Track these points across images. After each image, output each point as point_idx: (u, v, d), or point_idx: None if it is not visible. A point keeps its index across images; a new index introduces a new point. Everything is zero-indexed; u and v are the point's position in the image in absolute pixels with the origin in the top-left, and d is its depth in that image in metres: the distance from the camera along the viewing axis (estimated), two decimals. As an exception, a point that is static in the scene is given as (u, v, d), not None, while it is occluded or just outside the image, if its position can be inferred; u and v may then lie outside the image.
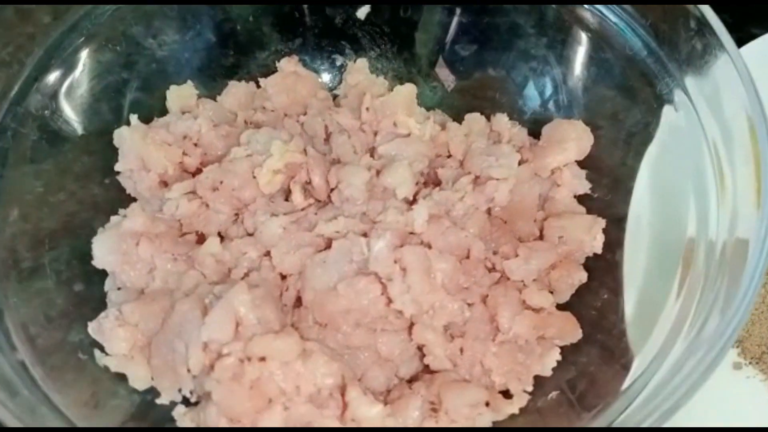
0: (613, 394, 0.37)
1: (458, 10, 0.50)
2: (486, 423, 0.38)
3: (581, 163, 0.50)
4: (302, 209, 0.45)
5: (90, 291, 0.46)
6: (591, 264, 0.47)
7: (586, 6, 0.48)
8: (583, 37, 0.49)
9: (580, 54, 0.50)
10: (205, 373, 0.36)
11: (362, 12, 0.55)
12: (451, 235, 0.42)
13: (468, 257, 0.42)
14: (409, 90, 0.50)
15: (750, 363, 0.49)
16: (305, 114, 0.52)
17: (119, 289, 0.43)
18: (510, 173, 0.45)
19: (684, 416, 0.42)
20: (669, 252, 0.45)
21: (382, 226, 0.42)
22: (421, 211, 0.42)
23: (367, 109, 0.50)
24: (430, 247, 0.42)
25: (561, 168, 0.48)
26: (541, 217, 0.48)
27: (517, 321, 0.41)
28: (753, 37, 0.58)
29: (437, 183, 0.48)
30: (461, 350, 0.41)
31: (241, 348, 0.36)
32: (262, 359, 0.36)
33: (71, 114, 0.51)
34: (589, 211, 0.49)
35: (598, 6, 0.48)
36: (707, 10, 0.41)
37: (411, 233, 0.42)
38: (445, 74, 0.52)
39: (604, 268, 0.46)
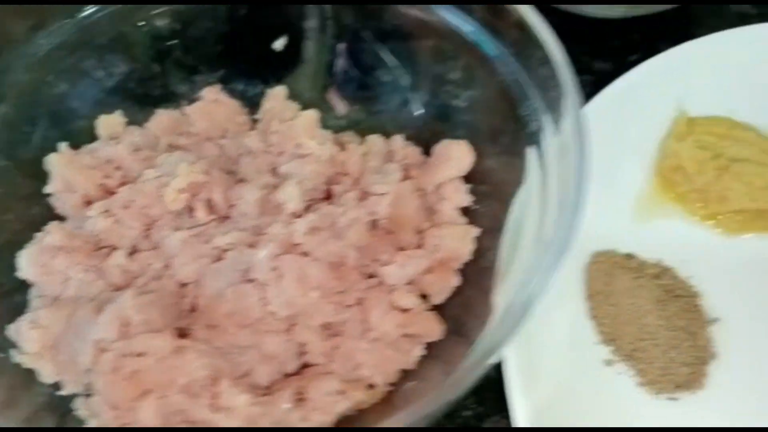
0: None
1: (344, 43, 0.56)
2: (342, 409, 0.43)
3: (468, 178, 0.55)
4: (204, 224, 0.50)
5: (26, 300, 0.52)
6: (468, 269, 0.51)
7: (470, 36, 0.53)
8: (468, 65, 0.53)
9: (468, 80, 0.54)
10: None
11: (279, 44, 0.61)
12: (328, 244, 0.47)
13: (344, 264, 0.47)
14: (310, 114, 0.55)
15: (621, 360, 0.53)
16: (225, 138, 0.57)
17: (39, 297, 0.49)
18: (390, 188, 0.49)
19: (558, 407, 0.47)
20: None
21: (267, 238, 0.47)
22: (301, 223, 0.47)
23: (274, 132, 0.55)
24: (308, 255, 0.46)
25: (445, 183, 0.53)
26: (427, 228, 0.52)
27: (385, 320, 0.46)
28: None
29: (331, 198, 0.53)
30: (337, 347, 0.46)
31: (123, 345, 0.41)
32: (140, 354, 0.41)
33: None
34: (473, 222, 0.53)
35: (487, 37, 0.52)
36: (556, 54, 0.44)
37: (295, 244, 0.47)
38: (335, 100, 0.58)
39: (478, 272, 0.50)
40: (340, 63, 0.56)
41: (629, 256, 0.57)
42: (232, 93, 0.61)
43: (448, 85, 0.54)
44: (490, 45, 0.51)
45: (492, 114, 0.53)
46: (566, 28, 0.71)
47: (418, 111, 0.56)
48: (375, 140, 0.56)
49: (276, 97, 0.59)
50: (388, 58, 0.55)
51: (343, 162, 0.54)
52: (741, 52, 0.64)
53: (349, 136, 0.58)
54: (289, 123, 0.55)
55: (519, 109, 0.50)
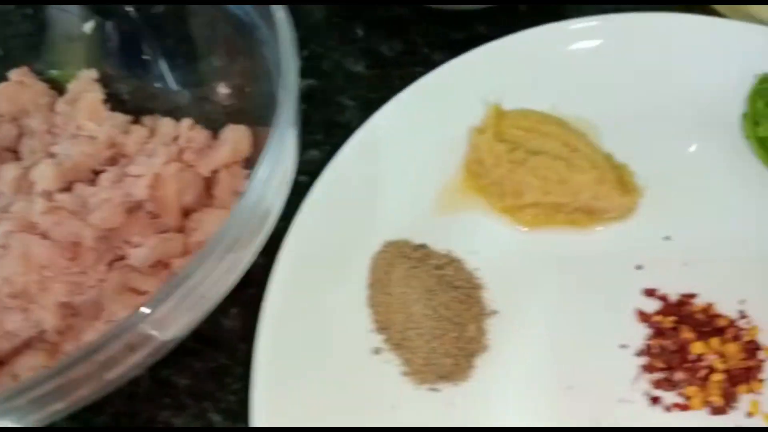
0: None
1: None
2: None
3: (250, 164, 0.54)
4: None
5: None
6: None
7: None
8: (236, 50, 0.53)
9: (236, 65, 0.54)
10: None
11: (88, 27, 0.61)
12: (67, 225, 0.46)
13: (82, 245, 0.47)
14: (93, 97, 0.55)
15: (390, 349, 0.52)
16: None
17: None
18: (147, 170, 0.49)
19: (316, 396, 0.46)
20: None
21: (7, 216, 0.47)
22: (40, 203, 0.46)
23: (58, 113, 0.55)
24: (45, 235, 0.46)
25: (221, 168, 0.53)
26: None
27: (118, 301, 0.45)
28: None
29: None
30: (72, 327, 0.46)
31: None
32: None
33: None
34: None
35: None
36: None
37: (33, 223, 0.47)
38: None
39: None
40: (111, 43, 0.56)
41: (420, 247, 0.56)
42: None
43: (217, 69, 0.54)
44: (256, 31, 0.51)
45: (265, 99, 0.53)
46: (416, 19, 0.72)
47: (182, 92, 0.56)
48: (163, 123, 0.56)
49: (83, 79, 0.59)
50: (159, 40, 0.54)
51: (123, 144, 0.54)
52: (565, 47, 0.64)
53: (149, 120, 0.58)
54: (74, 104, 0.54)
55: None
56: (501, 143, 0.57)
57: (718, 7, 0.66)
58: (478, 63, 0.62)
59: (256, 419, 0.46)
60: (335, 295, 0.53)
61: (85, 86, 0.58)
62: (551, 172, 0.55)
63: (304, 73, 0.63)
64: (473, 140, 0.59)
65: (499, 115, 0.60)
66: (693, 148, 0.60)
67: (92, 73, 0.59)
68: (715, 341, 0.50)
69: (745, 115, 0.59)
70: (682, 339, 0.50)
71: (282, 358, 0.49)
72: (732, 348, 0.50)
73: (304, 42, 0.67)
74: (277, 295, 0.50)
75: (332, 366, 0.50)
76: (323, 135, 0.63)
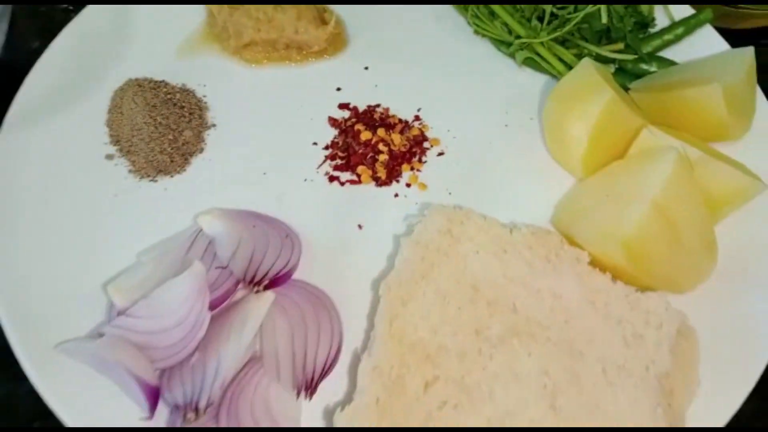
0: None
1: None
2: None
3: None
4: None
5: None
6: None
7: None
8: None
9: None
10: None
11: None
12: None
13: None
14: None
15: (120, 155, 0.61)
16: None
17: None
18: None
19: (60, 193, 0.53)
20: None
21: None
22: None
23: None
24: None
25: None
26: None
27: None
28: None
29: None
30: None
31: None
32: None
33: None
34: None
35: None
36: None
37: None
38: None
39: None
40: None
41: (158, 82, 0.65)
42: None
43: None
44: None
45: None
46: None
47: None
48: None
49: None
50: None
51: None
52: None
53: None
54: None
55: None
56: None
57: None
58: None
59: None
60: (78, 118, 0.62)
61: None
62: (261, 13, 0.65)
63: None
64: (206, -4, 0.68)
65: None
66: (398, 6, 0.71)
67: None
68: (381, 131, 0.61)
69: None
70: (356, 131, 0.61)
71: (18, 173, 0.57)
72: (397, 138, 0.61)
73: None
74: (17, 116, 0.59)
75: (70, 174, 0.59)
76: None
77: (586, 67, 0.57)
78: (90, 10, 0.66)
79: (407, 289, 0.50)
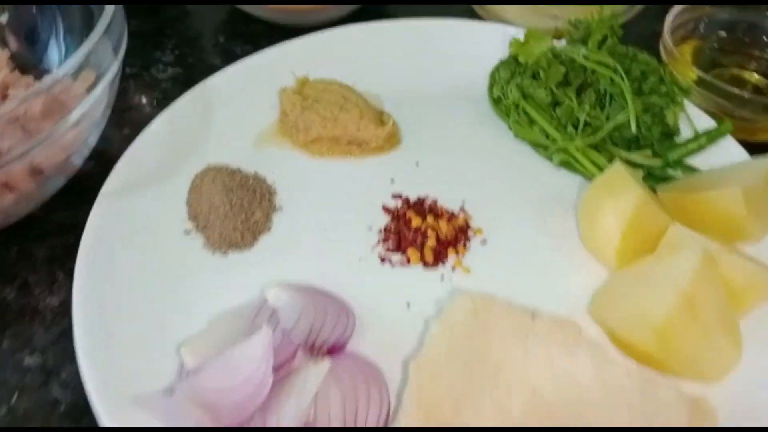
0: None
1: None
2: None
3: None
4: None
5: None
6: None
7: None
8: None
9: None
10: None
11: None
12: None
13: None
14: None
15: (197, 231, 0.67)
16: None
17: None
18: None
19: (144, 268, 0.60)
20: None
21: None
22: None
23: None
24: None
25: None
26: None
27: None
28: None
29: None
30: None
31: None
32: None
33: None
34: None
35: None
36: None
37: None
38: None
39: None
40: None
41: (234, 169, 0.72)
42: None
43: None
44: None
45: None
46: (269, 33, 0.92)
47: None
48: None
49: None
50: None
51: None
52: (365, 42, 0.83)
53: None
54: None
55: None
56: (298, 96, 0.74)
57: (477, 8, 0.87)
58: (297, 49, 0.81)
59: (77, 282, 0.59)
60: (162, 196, 0.68)
61: None
62: (329, 112, 0.72)
63: (173, 63, 0.83)
64: (280, 96, 0.76)
65: (303, 82, 0.78)
66: (447, 111, 0.78)
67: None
68: (430, 218, 0.66)
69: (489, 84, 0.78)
70: (407, 218, 0.66)
71: (109, 241, 0.63)
72: (444, 225, 0.66)
73: (179, 45, 0.87)
74: (111, 192, 0.65)
75: (152, 245, 0.64)
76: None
77: (618, 169, 0.62)
78: (178, 104, 0.74)
79: (433, 368, 0.53)
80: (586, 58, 0.70)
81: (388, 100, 0.79)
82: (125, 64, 0.77)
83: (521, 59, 0.72)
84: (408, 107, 0.77)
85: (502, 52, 0.79)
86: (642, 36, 0.81)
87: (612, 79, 0.67)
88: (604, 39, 0.71)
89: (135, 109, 0.81)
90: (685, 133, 0.71)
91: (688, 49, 0.81)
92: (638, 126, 0.66)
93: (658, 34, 0.79)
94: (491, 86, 0.77)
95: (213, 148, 0.73)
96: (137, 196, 0.66)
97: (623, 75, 0.66)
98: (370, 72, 0.80)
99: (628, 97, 0.65)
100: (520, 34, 0.75)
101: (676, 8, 0.79)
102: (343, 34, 0.83)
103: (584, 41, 0.73)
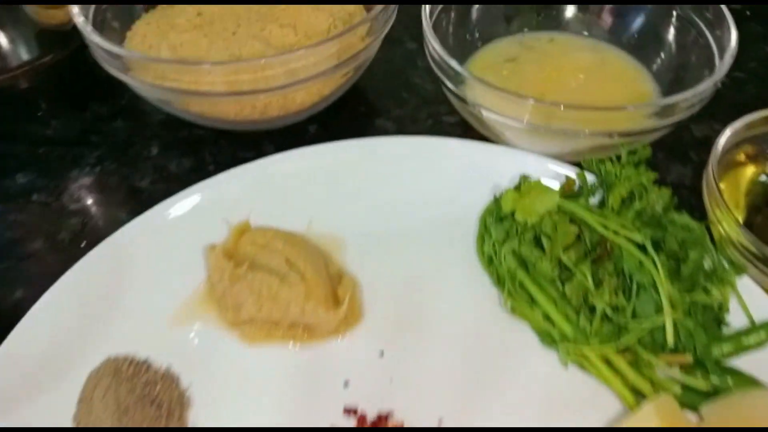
0: None
1: None
2: None
3: None
4: None
5: None
6: None
7: None
8: None
9: None
10: None
11: None
12: None
13: None
14: None
15: None
16: None
17: None
18: None
19: None
20: None
21: None
22: None
23: None
24: None
25: None
26: None
27: None
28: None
29: None
30: None
31: None
32: None
33: None
34: None
35: None
36: None
37: None
38: None
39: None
40: None
41: (139, 363, 0.55)
42: None
43: None
44: None
45: None
46: (213, 139, 0.74)
47: None
48: None
49: None
50: None
51: None
52: (322, 167, 0.65)
53: None
54: None
55: None
56: (230, 259, 0.57)
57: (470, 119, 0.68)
58: (232, 182, 0.63)
59: None
60: (43, 408, 0.51)
61: None
62: (265, 287, 0.55)
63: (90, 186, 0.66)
64: (207, 258, 0.59)
65: (240, 232, 0.60)
66: (426, 261, 0.60)
67: None
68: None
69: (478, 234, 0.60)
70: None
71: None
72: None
73: (100, 159, 0.70)
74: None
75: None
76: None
77: (666, 404, 0.44)
78: (83, 264, 0.56)
79: None
80: (605, 227, 0.51)
81: (351, 245, 0.61)
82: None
83: (518, 218, 0.54)
84: (376, 256, 0.61)
85: (499, 180, 0.60)
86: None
87: (641, 262, 0.49)
88: (631, 196, 0.53)
89: (35, 258, 0.64)
90: (736, 318, 0.52)
91: (739, 184, 0.62)
92: (677, 333, 0.47)
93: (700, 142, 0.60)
94: (480, 237, 0.59)
95: (117, 329, 0.56)
96: (12, 407, 0.49)
97: (656, 259, 0.48)
98: (331, 204, 0.63)
99: (664, 299, 0.47)
100: (517, 160, 0.57)
101: (733, 126, 0.59)
102: (299, 155, 0.65)
103: (602, 186, 0.55)
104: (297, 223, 0.63)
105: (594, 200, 0.57)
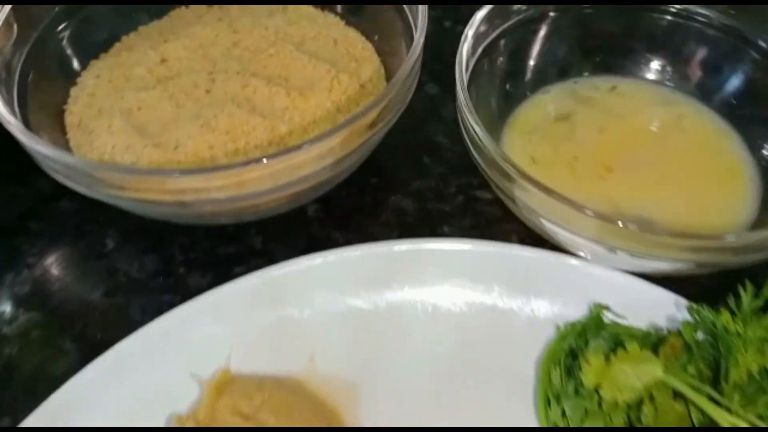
0: None
1: None
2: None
3: None
4: None
5: None
6: None
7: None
8: None
9: None
10: None
11: None
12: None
13: None
14: None
15: None
16: None
17: None
18: None
19: None
20: None
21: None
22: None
23: None
24: None
25: None
26: None
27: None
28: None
29: None
30: None
31: None
32: None
33: None
34: None
35: None
36: None
37: None
38: None
39: None
40: None
41: None
42: None
43: None
44: None
45: None
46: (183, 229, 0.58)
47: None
48: None
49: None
50: None
51: None
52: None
53: None
54: None
55: None
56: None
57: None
58: (216, 308, 0.47)
59: None
60: None
61: None
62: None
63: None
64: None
65: (217, 391, 0.44)
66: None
67: None
68: None
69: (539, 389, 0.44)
70: None
71: None
72: None
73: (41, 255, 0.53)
74: None
75: None
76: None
77: None
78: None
79: None
80: (729, 413, 0.35)
81: (366, 400, 0.45)
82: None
83: (606, 396, 0.38)
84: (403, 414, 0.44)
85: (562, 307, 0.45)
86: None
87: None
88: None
89: None
90: None
91: None
92: None
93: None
94: (543, 396, 0.43)
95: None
96: None
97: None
98: (340, 342, 0.47)
99: None
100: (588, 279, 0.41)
101: None
102: (298, 268, 0.49)
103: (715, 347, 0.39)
104: (295, 364, 0.46)
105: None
